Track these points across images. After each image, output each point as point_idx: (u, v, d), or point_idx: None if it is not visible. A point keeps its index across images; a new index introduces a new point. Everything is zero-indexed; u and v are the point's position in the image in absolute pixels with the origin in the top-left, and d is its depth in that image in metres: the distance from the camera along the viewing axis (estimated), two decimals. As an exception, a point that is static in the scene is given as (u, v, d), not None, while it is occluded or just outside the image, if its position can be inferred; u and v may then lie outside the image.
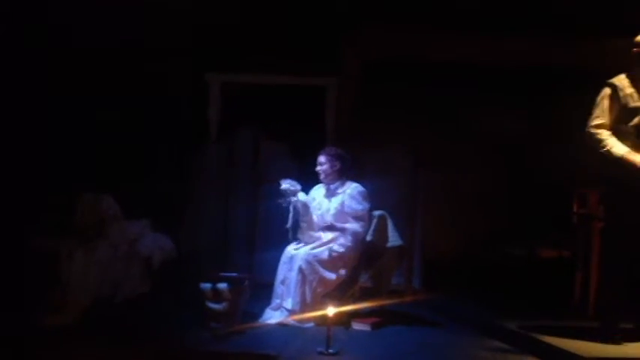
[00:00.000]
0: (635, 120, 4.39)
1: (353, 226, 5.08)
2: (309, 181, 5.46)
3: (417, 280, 6.10)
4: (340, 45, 6.78)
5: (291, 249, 5.13)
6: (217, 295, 4.61)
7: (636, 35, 4.49)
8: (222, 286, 4.62)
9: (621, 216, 4.43)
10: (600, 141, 4.41)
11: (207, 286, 4.65)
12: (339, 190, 5.26)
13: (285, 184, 5.09)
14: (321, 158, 5.27)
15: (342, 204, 5.16)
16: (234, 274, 4.83)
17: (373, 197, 5.58)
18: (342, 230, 5.08)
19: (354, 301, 5.11)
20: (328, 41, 6.68)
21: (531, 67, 6.58)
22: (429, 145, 6.51)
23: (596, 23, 6.25)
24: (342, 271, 5.06)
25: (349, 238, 5.07)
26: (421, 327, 5.05)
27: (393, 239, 5.17)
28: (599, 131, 4.42)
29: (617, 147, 4.35)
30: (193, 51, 6.68)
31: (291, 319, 4.88)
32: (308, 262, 4.97)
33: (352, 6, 6.49)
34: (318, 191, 5.37)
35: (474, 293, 5.88)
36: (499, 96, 6.65)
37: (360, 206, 5.12)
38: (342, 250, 5.05)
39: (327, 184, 5.31)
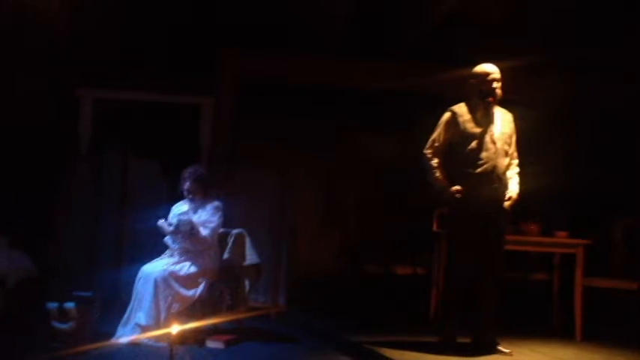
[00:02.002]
0: (472, 144, 4.70)
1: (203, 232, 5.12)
2: (180, 198, 5.50)
3: (283, 297, 6.20)
4: (216, 64, 6.87)
5: (148, 265, 5.13)
6: (64, 315, 4.54)
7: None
8: (69, 305, 4.56)
9: (458, 234, 4.71)
10: (430, 168, 4.73)
11: (53, 305, 4.57)
12: (201, 208, 5.30)
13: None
14: (185, 177, 5.31)
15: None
16: (84, 293, 4.77)
17: (241, 215, 5.68)
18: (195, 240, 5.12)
19: (218, 317, 5.14)
20: (204, 60, 6.75)
21: (399, 92, 6.88)
22: (301, 164, 6.70)
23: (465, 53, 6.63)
24: (199, 289, 5.09)
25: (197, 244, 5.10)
26: (276, 343, 5.13)
27: (251, 257, 5.25)
28: (431, 157, 4.75)
29: (438, 181, 4.72)
30: (65, 65, 6.58)
31: (144, 338, 4.85)
32: (163, 279, 4.97)
33: (228, 26, 6.60)
34: (181, 207, 5.40)
35: (336, 309, 6.04)
36: (369, 118, 6.91)
37: (210, 217, 5.17)
38: (198, 268, 5.09)
39: (191, 202, 5.35)
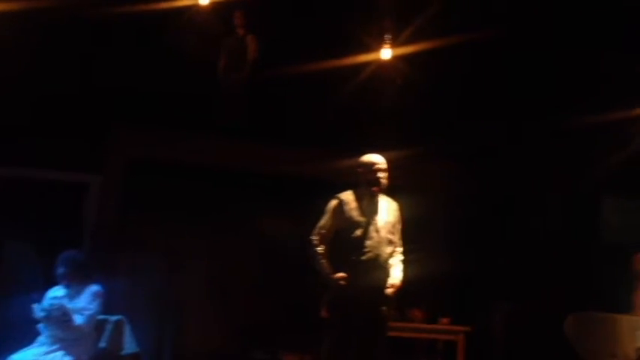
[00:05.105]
0: (357, 232, 4.75)
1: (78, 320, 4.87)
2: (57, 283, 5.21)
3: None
4: (104, 141, 6.73)
5: (16, 355, 4.78)
6: None
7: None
8: None
9: (341, 320, 4.71)
10: (316, 254, 4.73)
11: None
12: (78, 294, 5.04)
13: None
14: (59, 262, 5.09)
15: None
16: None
17: (123, 300, 5.45)
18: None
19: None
20: (91, 137, 6.62)
21: (290, 175, 6.96)
22: (190, 246, 6.57)
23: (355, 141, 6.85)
24: (72, 381, 4.78)
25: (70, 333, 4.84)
26: None
27: (129, 346, 5.03)
28: (317, 244, 4.75)
29: (324, 268, 4.70)
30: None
31: None
32: (33, 372, 4.65)
33: (115, 106, 6.53)
34: (57, 292, 5.11)
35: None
36: (260, 200, 6.92)
37: (87, 304, 4.93)
38: (71, 358, 4.80)
39: (67, 287, 5.09)
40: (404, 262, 4.94)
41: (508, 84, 6.93)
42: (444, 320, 5.73)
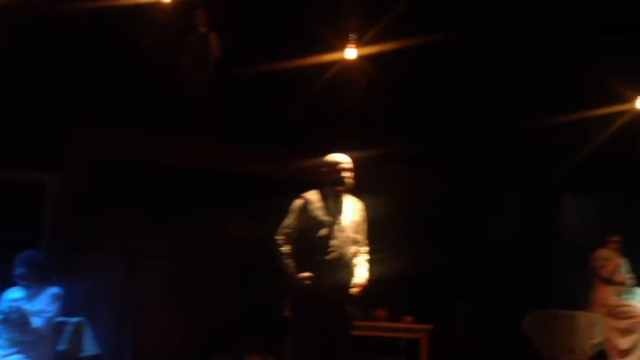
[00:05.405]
0: (322, 232, 4.74)
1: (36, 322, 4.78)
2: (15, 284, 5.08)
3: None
4: (66, 139, 6.60)
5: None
6: None
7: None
8: None
9: (305, 320, 4.70)
10: (280, 254, 4.71)
11: None
12: (37, 296, 4.93)
13: None
14: (17, 262, 4.98)
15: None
16: None
17: (84, 302, 5.35)
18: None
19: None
20: (52, 134, 6.49)
21: (254, 175, 6.92)
22: (151, 246, 6.48)
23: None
24: (31, 385, 4.68)
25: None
26: None
27: (89, 348, 4.95)
28: (282, 243, 4.72)
29: (289, 268, 4.67)
30: None
31: None
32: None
33: (75, 104, 6.41)
34: (15, 294, 5.00)
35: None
36: (224, 200, 6.87)
37: (46, 306, 4.84)
38: (31, 360, 4.70)
39: (26, 289, 4.97)
40: (368, 261, 4.96)
41: (471, 86, 7.02)
42: (408, 319, 5.77)
